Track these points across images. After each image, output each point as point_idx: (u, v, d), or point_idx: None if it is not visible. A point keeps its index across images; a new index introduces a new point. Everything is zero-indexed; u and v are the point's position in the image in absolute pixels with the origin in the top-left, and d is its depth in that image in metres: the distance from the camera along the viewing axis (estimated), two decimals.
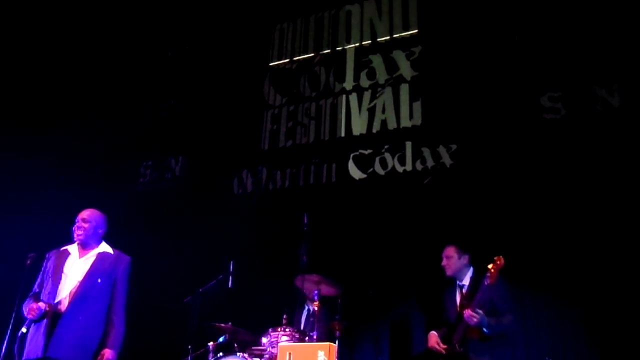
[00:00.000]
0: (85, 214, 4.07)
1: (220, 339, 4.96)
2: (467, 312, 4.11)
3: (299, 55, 7.45)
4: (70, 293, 3.80)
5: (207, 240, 6.71)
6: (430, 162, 6.05)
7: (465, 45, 6.35)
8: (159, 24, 8.57)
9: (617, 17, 5.65)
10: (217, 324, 4.95)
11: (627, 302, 4.72)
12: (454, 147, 5.99)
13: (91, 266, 3.93)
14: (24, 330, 3.76)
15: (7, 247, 6.54)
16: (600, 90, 5.50)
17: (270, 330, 4.58)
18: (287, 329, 4.55)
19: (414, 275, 5.65)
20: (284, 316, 4.85)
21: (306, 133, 6.94)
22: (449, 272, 4.59)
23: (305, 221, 4.90)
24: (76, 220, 4.05)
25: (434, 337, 4.43)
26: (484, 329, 4.09)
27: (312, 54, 7.37)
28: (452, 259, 4.57)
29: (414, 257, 5.65)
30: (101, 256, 4.02)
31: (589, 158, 5.31)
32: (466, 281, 4.52)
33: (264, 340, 4.59)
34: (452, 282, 4.65)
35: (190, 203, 7.15)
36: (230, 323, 4.98)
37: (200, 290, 5.13)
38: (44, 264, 4.02)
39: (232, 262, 5.20)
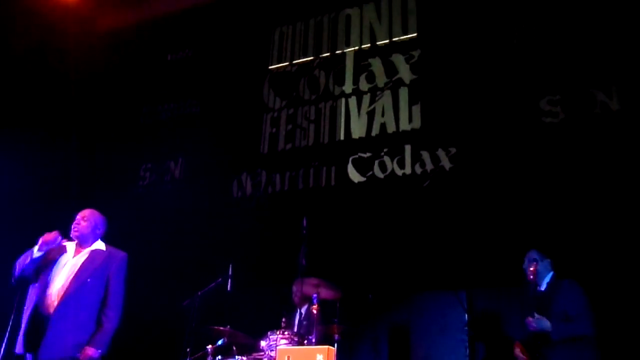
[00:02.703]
0: (84, 212, 4.05)
1: (219, 342, 4.95)
2: (527, 318, 4.09)
3: (299, 59, 7.47)
4: (58, 294, 3.71)
5: (206, 243, 6.71)
6: (429, 166, 6.05)
7: (464, 49, 6.36)
8: (158, 28, 8.59)
9: (615, 20, 5.67)
10: (215, 327, 4.94)
11: (631, 305, 4.71)
12: (453, 150, 5.99)
13: (81, 265, 3.85)
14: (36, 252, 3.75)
15: (6, 249, 6.54)
16: (599, 94, 5.51)
17: (269, 333, 4.58)
18: (285, 332, 4.55)
19: (413, 278, 5.64)
20: (283, 319, 4.85)
21: (305, 136, 6.95)
22: (530, 276, 4.48)
23: (305, 224, 4.90)
24: (75, 218, 4.03)
25: (517, 347, 4.29)
26: (551, 334, 4.00)
27: (311, 57, 7.39)
28: (532, 262, 4.43)
29: (413, 260, 5.65)
30: (93, 254, 3.93)
31: (588, 161, 5.32)
32: (544, 286, 4.42)
33: (263, 343, 4.59)
34: (534, 287, 4.52)
35: (189, 206, 7.15)
36: (228, 326, 4.97)
37: (199, 293, 5.13)
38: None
39: (231, 265, 5.20)
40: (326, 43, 7.35)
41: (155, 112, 8.18)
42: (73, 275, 3.80)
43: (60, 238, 3.79)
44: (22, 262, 3.80)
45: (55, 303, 3.68)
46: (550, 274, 4.41)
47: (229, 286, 5.12)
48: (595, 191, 5.19)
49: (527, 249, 4.88)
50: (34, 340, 3.57)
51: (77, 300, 3.72)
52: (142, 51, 8.51)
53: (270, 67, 7.61)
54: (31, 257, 3.76)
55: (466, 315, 5.32)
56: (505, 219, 5.43)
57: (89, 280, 3.80)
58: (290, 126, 7.11)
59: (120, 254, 4.05)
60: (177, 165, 7.61)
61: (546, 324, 4.02)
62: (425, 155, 6.12)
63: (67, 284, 3.75)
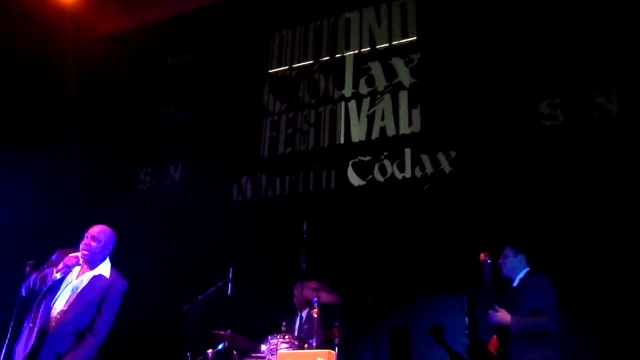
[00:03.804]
0: (95, 230, 3.90)
1: (220, 347, 4.94)
2: (489, 311, 4.09)
3: (299, 63, 7.48)
4: (57, 316, 3.67)
5: (206, 247, 6.70)
6: (429, 169, 6.06)
7: (464, 53, 6.37)
8: (158, 32, 8.60)
9: (615, 24, 5.68)
10: (216, 332, 4.94)
11: (636, 310, 4.70)
12: (453, 153, 5.99)
13: (81, 292, 3.77)
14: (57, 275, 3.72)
15: (6, 254, 6.53)
16: (599, 97, 5.52)
17: (269, 337, 4.57)
18: (286, 336, 4.55)
19: (414, 281, 5.64)
20: (283, 323, 4.84)
21: (305, 140, 6.95)
22: (504, 272, 4.52)
23: (305, 228, 4.90)
24: (85, 236, 3.88)
25: (492, 341, 4.32)
26: (512, 329, 4.00)
27: (311, 61, 7.40)
28: (507, 258, 4.46)
29: (413, 263, 5.65)
30: (94, 281, 3.84)
31: (587, 164, 5.32)
32: (516, 282, 4.44)
33: (263, 347, 4.59)
34: (508, 283, 4.55)
35: (189, 210, 7.15)
36: (229, 330, 4.97)
37: (200, 297, 5.12)
38: (52, 259, 3.88)
39: (231, 269, 5.19)
40: (326, 47, 7.37)
41: (155, 116, 8.18)
42: (72, 300, 3.74)
43: (80, 260, 3.75)
44: (40, 279, 3.74)
45: (53, 324, 3.65)
46: (525, 270, 4.40)
47: (229, 290, 5.11)
48: (596, 194, 5.19)
49: (530, 252, 4.90)
50: (33, 355, 3.55)
51: (73, 326, 3.68)
52: (142, 55, 8.52)
53: (270, 71, 7.62)
54: (50, 278, 3.72)
55: (467, 319, 5.32)
56: (505, 222, 5.43)
57: (88, 307, 3.74)
58: (290, 130, 7.11)
59: (120, 284, 3.95)
60: (177, 169, 7.61)
61: (506, 317, 4.02)
62: (425, 158, 6.12)
63: (66, 308, 3.70)
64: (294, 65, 7.50)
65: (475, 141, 5.93)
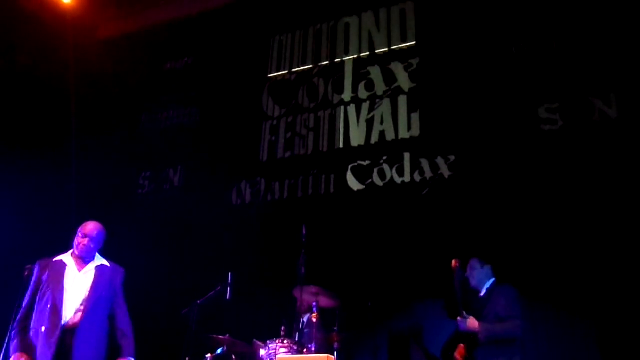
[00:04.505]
0: (88, 228, 4.06)
1: (218, 351, 4.94)
2: (458, 318, 4.21)
3: (298, 67, 7.49)
4: (78, 309, 3.84)
5: (205, 251, 6.70)
6: (428, 173, 6.06)
7: (463, 57, 6.38)
8: (158, 36, 8.62)
9: (614, 28, 5.69)
10: (215, 336, 4.93)
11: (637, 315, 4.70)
12: (452, 158, 6.00)
13: (94, 280, 3.97)
14: None
15: (5, 257, 6.53)
16: (598, 102, 5.53)
17: (268, 342, 4.56)
18: (285, 341, 4.54)
19: (413, 286, 5.64)
20: (282, 328, 4.83)
21: (305, 144, 6.95)
22: (472, 283, 4.58)
23: (304, 232, 4.90)
24: (79, 233, 4.05)
25: (459, 349, 4.43)
26: (479, 335, 4.11)
27: (310, 66, 7.41)
28: (474, 270, 4.57)
29: (412, 268, 5.65)
30: (100, 269, 4.06)
31: (586, 169, 5.32)
32: (483, 292, 4.51)
33: (262, 352, 4.57)
34: (475, 293, 4.62)
35: (188, 214, 7.15)
36: (228, 335, 4.96)
37: (198, 301, 5.12)
38: (35, 273, 3.96)
39: (230, 274, 5.19)
40: (325, 51, 7.37)
41: (154, 120, 8.19)
42: (89, 290, 3.93)
43: None
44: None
45: (77, 318, 3.81)
46: (492, 280, 4.53)
47: (228, 294, 5.11)
48: (595, 198, 5.19)
49: (528, 256, 4.92)
50: (64, 356, 3.67)
51: (95, 314, 3.88)
52: (142, 59, 8.53)
53: (269, 76, 7.63)
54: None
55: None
56: (505, 226, 5.43)
57: (103, 294, 3.97)
58: (289, 134, 7.12)
59: (122, 270, 4.22)
60: (176, 173, 7.61)
61: (474, 324, 4.14)
62: (425, 163, 6.12)
63: (86, 298, 3.89)
64: (293, 70, 7.51)
65: (474, 146, 5.94)
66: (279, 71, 7.60)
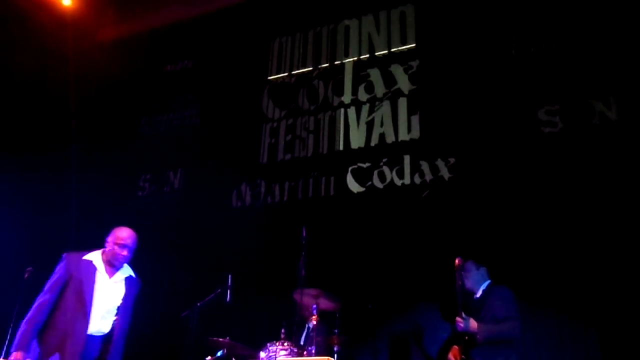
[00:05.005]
0: (129, 240, 4.03)
1: (218, 354, 4.93)
2: (456, 319, 4.21)
3: (298, 69, 7.49)
4: (108, 317, 3.81)
5: (205, 254, 6.70)
6: (428, 176, 6.06)
7: (462, 59, 6.39)
8: (158, 39, 8.63)
9: (613, 31, 5.70)
10: (215, 339, 4.92)
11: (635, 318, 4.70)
12: (452, 160, 6.00)
13: (125, 292, 3.96)
14: None
15: (5, 260, 6.53)
16: (598, 104, 5.53)
17: (268, 344, 4.56)
18: (285, 343, 4.53)
19: (413, 288, 5.63)
20: (282, 330, 4.82)
21: (305, 146, 6.95)
22: (467, 285, 4.58)
23: (304, 235, 4.89)
24: (116, 241, 3.96)
25: (453, 351, 4.46)
26: (477, 335, 4.12)
27: (310, 68, 7.41)
28: (469, 272, 4.58)
29: (412, 270, 5.64)
30: (129, 281, 4.05)
31: (586, 171, 5.33)
32: (479, 293, 4.53)
33: (262, 354, 4.57)
34: (470, 295, 4.63)
35: (188, 216, 7.15)
36: (228, 337, 4.95)
37: (198, 304, 5.10)
38: (63, 267, 3.83)
39: (230, 276, 5.18)
40: (325, 54, 7.38)
41: (154, 123, 8.19)
42: (119, 301, 3.91)
43: None
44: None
45: (105, 327, 3.78)
46: (487, 282, 4.56)
47: (228, 297, 5.10)
48: (594, 200, 5.19)
49: (530, 258, 4.91)
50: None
51: (124, 323, 3.90)
52: (141, 62, 8.54)
53: (269, 78, 7.64)
54: None
55: None
56: (505, 228, 5.43)
57: (123, 310, 3.93)
58: (289, 136, 7.12)
59: (140, 283, 4.23)
60: (176, 176, 7.61)
61: (472, 325, 4.16)
62: (425, 165, 6.12)
63: (116, 308, 3.87)
64: (293, 72, 7.52)
65: (474, 148, 5.94)
66: (279, 73, 7.61)
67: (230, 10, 8.25)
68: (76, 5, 7.91)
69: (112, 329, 3.77)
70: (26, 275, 4.51)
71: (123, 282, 3.98)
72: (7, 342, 3.77)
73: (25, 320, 3.63)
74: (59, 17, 7.98)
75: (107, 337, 3.75)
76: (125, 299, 3.93)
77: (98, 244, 4.15)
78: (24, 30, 8.07)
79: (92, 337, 3.69)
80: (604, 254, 4.97)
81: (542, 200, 5.40)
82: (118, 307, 3.86)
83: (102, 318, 3.77)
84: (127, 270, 4.08)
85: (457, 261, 4.45)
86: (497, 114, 5.95)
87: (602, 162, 5.28)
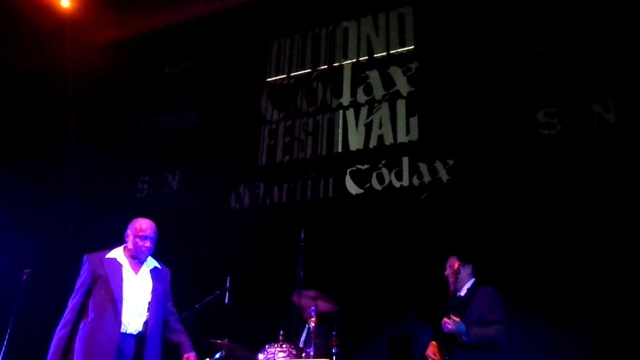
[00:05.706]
0: (150, 230, 3.86)
1: (217, 356, 4.93)
2: (444, 319, 4.13)
3: (297, 71, 7.50)
4: (140, 314, 3.67)
5: (203, 256, 6.69)
6: (427, 178, 6.06)
7: (461, 61, 6.39)
8: (156, 40, 8.63)
9: (612, 33, 5.70)
10: (213, 340, 4.92)
11: (636, 324, 4.69)
12: (450, 162, 6.00)
13: (153, 285, 3.82)
14: None
15: (4, 262, 6.52)
16: (596, 106, 5.54)
17: (267, 346, 4.56)
18: (283, 345, 4.53)
19: (411, 290, 5.63)
20: (281, 332, 4.82)
21: (303, 148, 6.96)
22: (451, 282, 4.55)
23: (302, 236, 4.89)
24: (137, 234, 3.80)
25: (431, 347, 4.39)
26: (463, 337, 4.06)
27: (309, 70, 7.42)
28: (454, 269, 4.54)
29: (411, 272, 5.65)
30: (155, 272, 3.91)
31: (585, 173, 5.33)
32: (464, 292, 4.50)
33: (261, 356, 4.57)
34: (454, 293, 4.61)
35: (187, 218, 7.14)
36: (226, 339, 4.95)
37: (197, 306, 5.11)
38: (87, 269, 3.71)
39: (228, 278, 5.18)
40: (324, 56, 7.38)
41: (153, 124, 8.19)
42: (149, 295, 3.76)
43: None
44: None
45: (138, 325, 3.64)
46: (472, 280, 4.53)
47: (226, 299, 5.10)
48: (593, 202, 5.20)
49: (529, 259, 4.90)
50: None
51: (154, 320, 3.71)
52: (140, 63, 8.53)
53: (268, 80, 7.64)
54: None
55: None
56: (503, 230, 5.43)
57: (160, 299, 3.84)
58: (288, 138, 7.12)
59: (169, 271, 4.13)
60: (174, 178, 7.61)
61: (461, 326, 4.08)
62: (423, 167, 6.13)
63: (146, 304, 3.72)
64: (292, 74, 7.52)
65: (472, 150, 5.94)
66: (278, 75, 7.61)
67: (229, 12, 8.25)
68: (75, 6, 7.90)
69: (146, 327, 3.64)
70: (24, 277, 4.50)
71: (149, 275, 3.85)
72: (6, 342, 3.74)
73: (56, 331, 3.56)
74: (57, 18, 7.97)
75: (142, 336, 3.61)
76: (155, 292, 3.78)
77: (98, 244, 4.03)
78: (22, 31, 8.07)
79: (126, 336, 3.56)
80: (604, 256, 4.97)
81: (540, 202, 5.41)
82: (149, 303, 3.71)
83: (134, 315, 3.63)
84: (151, 262, 3.94)
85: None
86: (495, 116, 5.95)
87: (601, 165, 5.29)
